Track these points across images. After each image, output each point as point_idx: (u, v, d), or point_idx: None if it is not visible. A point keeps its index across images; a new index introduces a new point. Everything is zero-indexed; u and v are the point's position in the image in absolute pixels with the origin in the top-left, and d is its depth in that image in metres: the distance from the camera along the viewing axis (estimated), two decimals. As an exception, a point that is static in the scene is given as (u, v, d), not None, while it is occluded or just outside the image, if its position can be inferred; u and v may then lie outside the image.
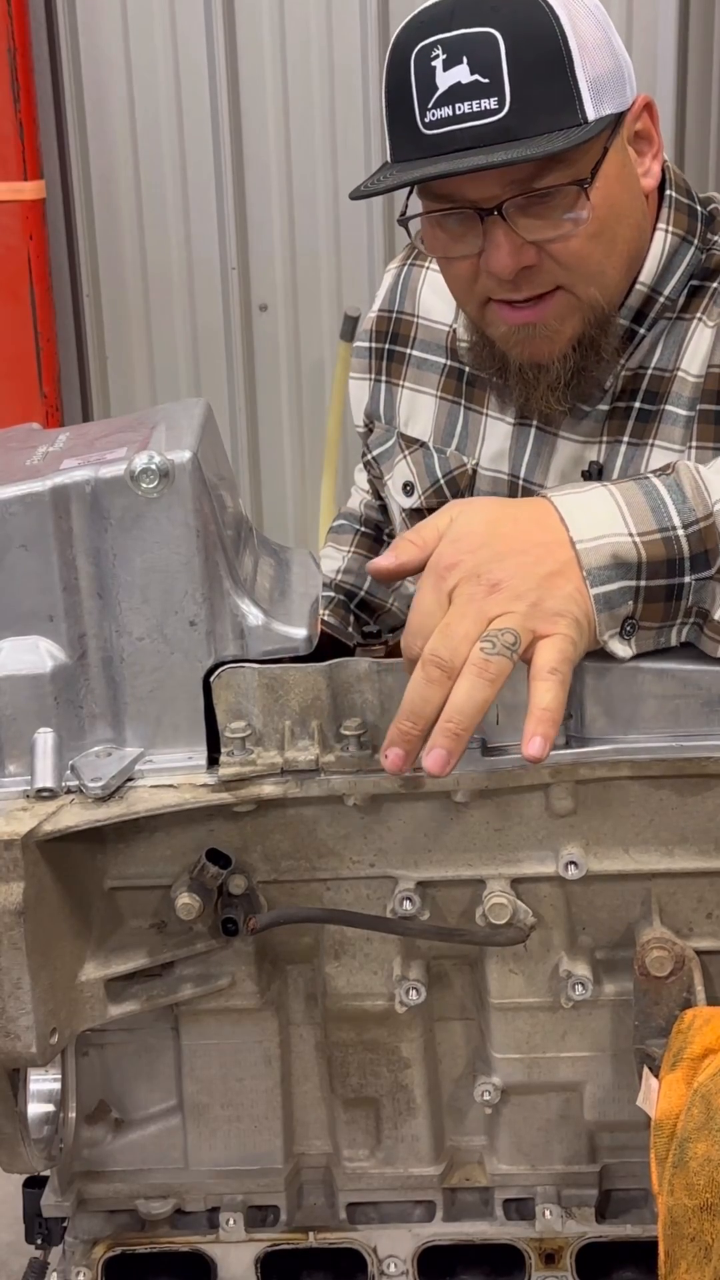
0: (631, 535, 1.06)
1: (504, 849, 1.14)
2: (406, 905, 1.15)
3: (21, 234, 3.81)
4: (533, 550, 1.05)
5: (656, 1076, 1.07)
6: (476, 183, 1.39)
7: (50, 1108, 1.21)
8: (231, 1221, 1.27)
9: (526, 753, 0.99)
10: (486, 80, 1.34)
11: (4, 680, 1.09)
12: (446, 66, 1.35)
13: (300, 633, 1.11)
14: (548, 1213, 1.26)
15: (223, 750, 1.10)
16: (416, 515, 1.72)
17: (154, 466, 1.06)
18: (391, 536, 1.82)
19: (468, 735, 1.00)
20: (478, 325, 1.53)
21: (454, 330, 1.69)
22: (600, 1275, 1.28)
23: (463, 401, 1.69)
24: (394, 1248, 1.28)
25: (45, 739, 1.09)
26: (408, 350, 1.74)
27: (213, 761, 1.11)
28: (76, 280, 4.08)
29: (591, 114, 1.37)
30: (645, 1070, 1.10)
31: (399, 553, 1.08)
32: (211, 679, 1.10)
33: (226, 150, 3.94)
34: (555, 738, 1.00)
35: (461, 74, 1.35)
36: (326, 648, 1.28)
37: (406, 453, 1.73)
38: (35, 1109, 1.19)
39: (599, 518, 1.07)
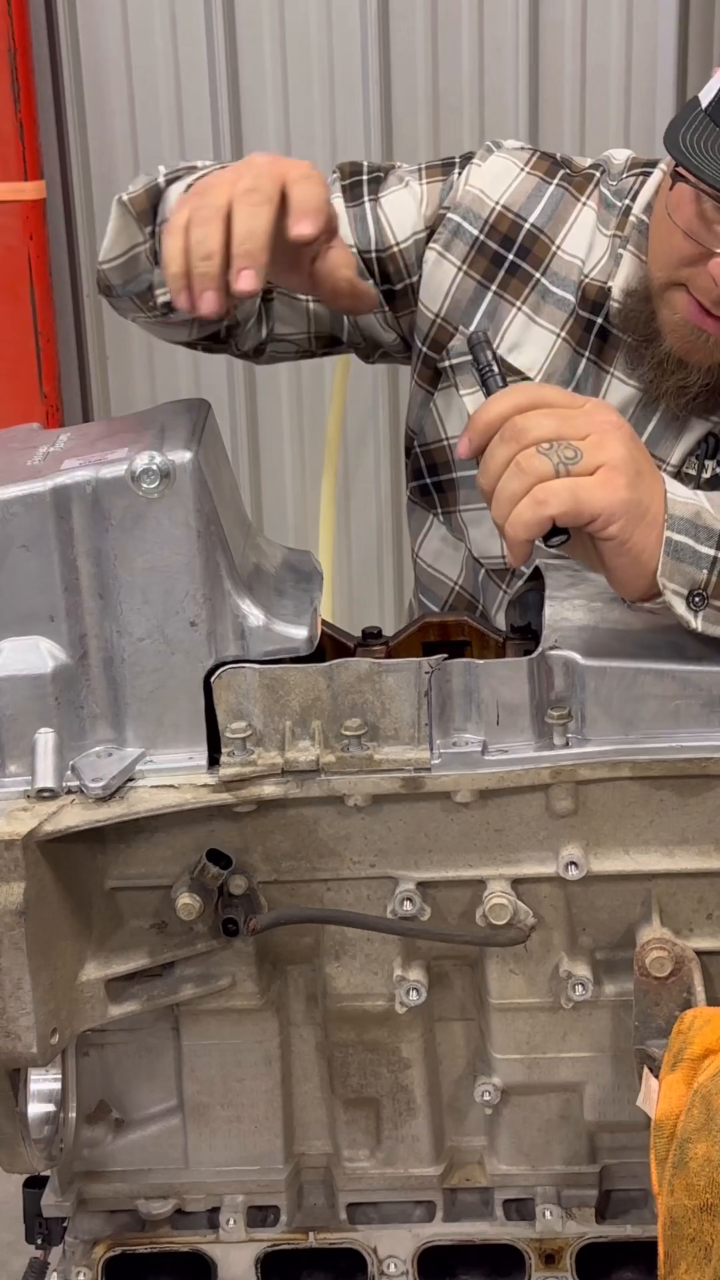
0: (715, 515, 1.12)
1: (504, 849, 1.14)
2: (407, 906, 1.15)
3: (21, 234, 3.81)
4: (642, 456, 1.10)
5: (656, 1077, 1.07)
6: None
7: (50, 1108, 1.21)
8: (232, 1221, 1.27)
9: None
10: None
11: (5, 680, 1.09)
12: None
13: (300, 633, 1.11)
14: (548, 1213, 1.26)
15: (223, 750, 1.10)
16: None
17: (155, 467, 1.06)
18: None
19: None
20: (651, 293, 1.48)
21: (586, 280, 1.57)
22: (600, 1275, 1.28)
23: (587, 353, 1.57)
24: (394, 1248, 1.28)
25: (46, 739, 1.09)
26: (537, 274, 1.58)
27: (213, 762, 1.11)
28: (76, 280, 4.08)
29: None
30: (645, 1071, 1.10)
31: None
32: (212, 679, 1.10)
33: (227, 151, 3.94)
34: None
35: None
36: (326, 648, 1.28)
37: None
38: (35, 1109, 1.19)
39: (690, 493, 1.13)
